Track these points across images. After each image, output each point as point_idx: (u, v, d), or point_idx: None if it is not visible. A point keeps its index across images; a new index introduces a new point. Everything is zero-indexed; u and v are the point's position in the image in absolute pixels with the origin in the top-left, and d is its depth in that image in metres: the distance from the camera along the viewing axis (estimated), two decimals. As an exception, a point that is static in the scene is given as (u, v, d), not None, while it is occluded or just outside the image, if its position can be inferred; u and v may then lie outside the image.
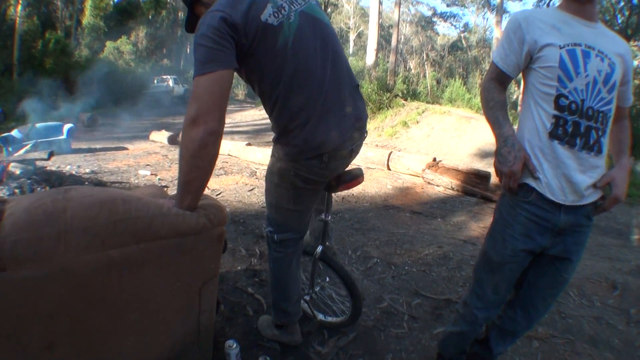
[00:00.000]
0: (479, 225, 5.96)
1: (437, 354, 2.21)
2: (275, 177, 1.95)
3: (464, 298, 1.99)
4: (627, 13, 24.03)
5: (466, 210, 6.76)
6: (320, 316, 2.65)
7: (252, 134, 15.78)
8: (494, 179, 8.07)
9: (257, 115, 23.03)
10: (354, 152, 1.97)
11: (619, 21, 24.86)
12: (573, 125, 1.55)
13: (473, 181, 7.74)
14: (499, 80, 1.74)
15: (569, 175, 1.58)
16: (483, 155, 11.87)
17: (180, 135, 1.39)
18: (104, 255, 1.38)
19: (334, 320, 2.62)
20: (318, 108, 1.75)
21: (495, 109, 1.70)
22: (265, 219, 2.22)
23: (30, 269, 1.28)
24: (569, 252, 1.70)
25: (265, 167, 8.47)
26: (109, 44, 27.64)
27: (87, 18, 27.81)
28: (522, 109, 1.74)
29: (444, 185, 7.89)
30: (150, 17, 32.39)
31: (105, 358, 1.56)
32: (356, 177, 2.04)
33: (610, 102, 1.57)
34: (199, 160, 1.50)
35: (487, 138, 12.86)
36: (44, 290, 1.32)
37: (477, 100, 20.43)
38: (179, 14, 38.65)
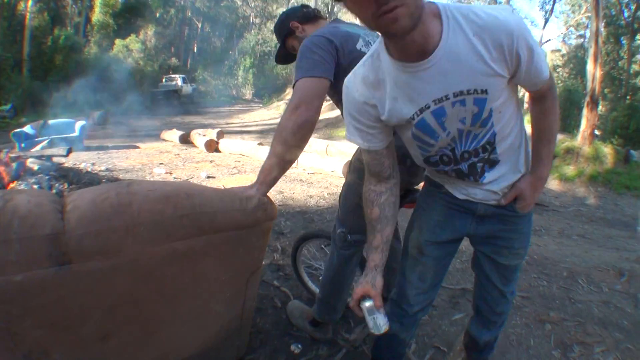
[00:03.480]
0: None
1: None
2: (362, 179, 2.00)
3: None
4: (633, 7, 23.98)
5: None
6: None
7: (262, 134, 15.85)
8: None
9: (266, 115, 23.09)
10: None
11: (625, 15, 24.83)
12: (455, 172, 1.47)
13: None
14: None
15: (472, 192, 1.52)
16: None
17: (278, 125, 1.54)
18: (169, 247, 1.42)
19: None
20: None
21: None
22: (336, 220, 2.30)
23: (97, 261, 1.29)
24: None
25: None
26: (118, 41, 27.75)
27: (96, 15, 27.90)
28: None
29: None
30: (158, 15, 32.47)
31: (156, 346, 1.62)
32: (415, 199, 2.07)
33: (488, 131, 1.35)
34: (296, 135, 1.73)
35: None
36: (109, 282, 1.35)
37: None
38: (188, 13, 38.81)
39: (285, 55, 2.30)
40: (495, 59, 1.19)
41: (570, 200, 8.81)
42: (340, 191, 2.30)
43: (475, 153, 1.40)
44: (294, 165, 7.66)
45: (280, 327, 2.62)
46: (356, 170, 2.09)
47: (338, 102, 2.01)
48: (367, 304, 1.49)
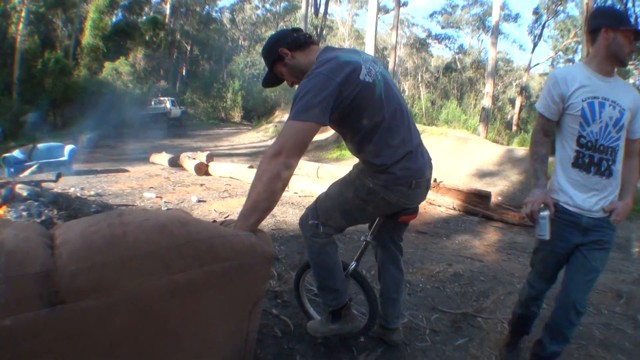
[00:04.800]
0: (483, 243, 6.08)
1: (508, 332, 2.75)
2: (360, 192, 2.20)
3: (520, 291, 2.61)
4: None
5: (469, 230, 6.87)
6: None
7: (251, 156, 15.87)
8: (494, 199, 8.22)
9: (255, 137, 23.16)
10: (429, 186, 2.32)
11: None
12: (587, 158, 2.14)
13: (474, 201, 7.89)
14: (544, 129, 2.28)
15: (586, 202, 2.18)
16: (481, 175, 12.04)
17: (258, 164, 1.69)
18: (169, 280, 1.33)
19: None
20: (412, 144, 2.13)
21: (537, 162, 2.28)
22: (310, 211, 2.41)
23: (93, 299, 1.20)
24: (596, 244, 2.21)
25: None
26: (107, 64, 27.75)
27: (86, 38, 27.89)
28: (556, 143, 2.27)
29: (445, 205, 8.00)
30: (147, 38, 32.63)
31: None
32: (415, 211, 2.36)
33: (619, 139, 2.13)
34: (273, 184, 1.74)
35: (484, 158, 13.08)
36: (106, 322, 1.26)
37: (473, 121, 20.82)
38: (177, 36, 39.01)
39: (272, 79, 2.31)
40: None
41: (563, 221, 8.69)
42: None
43: (605, 151, 2.11)
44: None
45: (282, 357, 2.54)
46: (353, 181, 2.25)
47: (343, 129, 2.17)
48: (545, 213, 2.13)
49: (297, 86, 2.11)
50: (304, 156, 14.89)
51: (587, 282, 2.22)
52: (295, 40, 2.15)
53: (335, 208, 2.31)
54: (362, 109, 2.00)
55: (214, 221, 1.79)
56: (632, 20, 22.93)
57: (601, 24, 2.13)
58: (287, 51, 2.13)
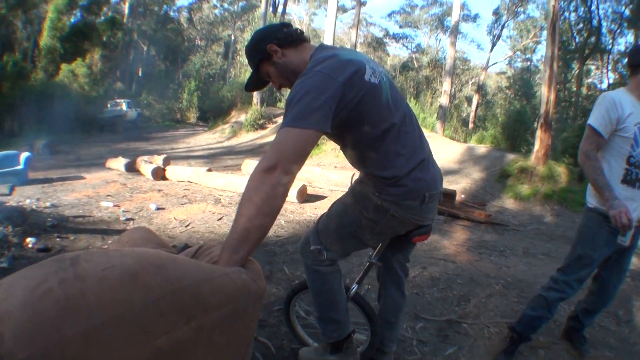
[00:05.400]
0: (452, 243, 6.06)
1: (510, 333, 2.80)
2: (367, 211, 1.97)
3: (547, 293, 2.65)
4: (585, 34, 25.35)
5: (437, 229, 6.83)
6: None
7: (209, 159, 15.58)
8: (457, 197, 8.22)
9: (211, 139, 22.85)
10: (441, 199, 2.10)
11: (577, 41, 26.29)
12: (635, 175, 2.39)
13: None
14: (596, 144, 2.43)
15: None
16: (443, 173, 11.95)
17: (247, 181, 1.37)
18: (151, 348, 1.02)
19: None
20: (424, 152, 1.95)
21: (603, 176, 2.38)
22: (311, 236, 2.19)
23: None
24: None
25: (229, 194, 8.13)
26: (64, 66, 26.75)
27: (44, 39, 26.70)
28: (603, 160, 2.46)
29: (411, 205, 7.95)
30: (105, 38, 31.74)
31: None
32: (429, 230, 2.14)
33: None
34: (268, 206, 1.44)
35: (445, 156, 13.20)
36: None
37: (432, 119, 21.03)
38: (134, 35, 38.12)
39: (257, 82, 2.01)
40: None
41: (527, 219, 8.92)
42: (321, 214, 2.26)
43: None
44: (240, 192, 7.42)
45: (267, 382, 2.36)
46: (356, 199, 2.03)
47: (345, 147, 1.97)
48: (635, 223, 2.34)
49: (287, 90, 1.87)
50: (258, 156, 14.61)
51: (622, 280, 2.68)
52: (286, 35, 1.87)
53: (339, 231, 2.10)
54: (368, 114, 1.76)
55: (186, 246, 1.47)
56: (596, 22, 24.05)
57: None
58: (277, 48, 1.84)
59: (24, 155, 10.21)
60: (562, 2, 23.22)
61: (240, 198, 1.47)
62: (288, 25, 1.94)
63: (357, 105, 1.70)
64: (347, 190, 2.14)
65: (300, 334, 2.67)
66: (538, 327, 2.69)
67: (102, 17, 33.40)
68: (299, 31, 1.92)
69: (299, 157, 1.53)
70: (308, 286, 2.26)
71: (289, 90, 1.75)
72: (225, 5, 46.43)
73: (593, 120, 2.42)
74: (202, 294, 1.12)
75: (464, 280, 4.02)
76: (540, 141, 11.73)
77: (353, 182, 2.14)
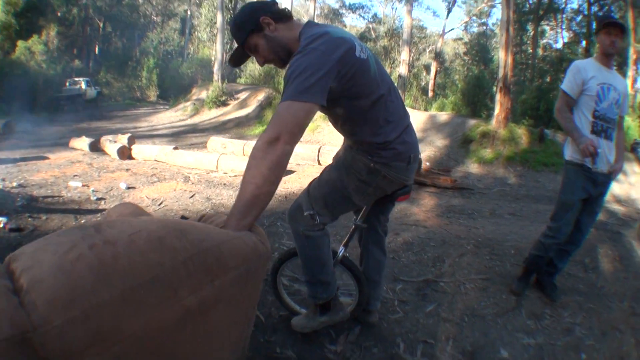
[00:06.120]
0: (422, 209, 6.19)
1: (524, 268, 3.34)
2: (361, 174, 2.13)
3: (544, 239, 3.16)
4: None
5: (405, 197, 6.94)
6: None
7: (173, 137, 15.26)
8: (423, 165, 8.40)
9: (174, 117, 22.33)
10: (420, 161, 2.22)
11: (531, 2, 26.61)
12: (600, 126, 2.94)
13: (406, 168, 7.99)
14: (566, 102, 3.03)
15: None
16: (408, 142, 12.24)
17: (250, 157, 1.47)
18: (180, 307, 1.07)
19: None
20: (407, 118, 2.18)
21: (573, 123, 2.97)
22: (303, 202, 2.29)
23: (93, 356, 0.90)
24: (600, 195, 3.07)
25: (197, 172, 8.00)
26: (20, 43, 25.62)
27: None
28: (575, 115, 3.02)
29: (377, 175, 8.08)
30: (60, 14, 30.50)
31: None
32: (409, 190, 2.34)
33: (616, 113, 2.97)
34: (273, 174, 1.55)
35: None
36: None
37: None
38: (89, 11, 36.74)
39: (241, 56, 2.04)
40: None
41: (492, 181, 9.22)
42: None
43: (609, 121, 2.94)
44: (213, 168, 7.37)
45: (261, 351, 2.45)
46: (349, 164, 2.18)
47: (337, 119, 2.10)
48: (600, 150, 2.85)
49: (271, 65, 2.01)
50: (226, 133, 14.33)
51: (593, 222, 3.17)
52: (280, 11, 1.94)
53: (332, 194, 2.23)
54: (360, 87, 1.90)
55: (183, 217, 1.53)
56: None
57: (596, 30, 3.03)
58: (271, 21, 1.89)
59: None
60: (515, -36, 23.57)
61: (245, 167, 1.57)
62: (276, 2, 1.98)
63: (350, 79, 1.83)
64: (322, 162, 2.28)
65: (287, 301, 2.76)
66: (540, 264, 3.22)
67: (56, -8, 32.20)
68: (287, 10, 1.99)
69: (300, 128, 1.63)
70: (297, 253, 2.35)
71: (257, 67, 1.83)
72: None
73: (564, 84, 3.06)
74: (222, 255, 1.19)
75: (436, 243, 4.19)
76: (500, 105, 11.95)
77: (341, 150, 2.29)
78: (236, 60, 2.05)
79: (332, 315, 2.39)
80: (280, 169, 1.57)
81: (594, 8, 25.03)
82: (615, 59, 3.20)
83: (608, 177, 3.00)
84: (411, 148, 2.11)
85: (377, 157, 2.05)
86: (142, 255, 1.01)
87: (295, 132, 1.61)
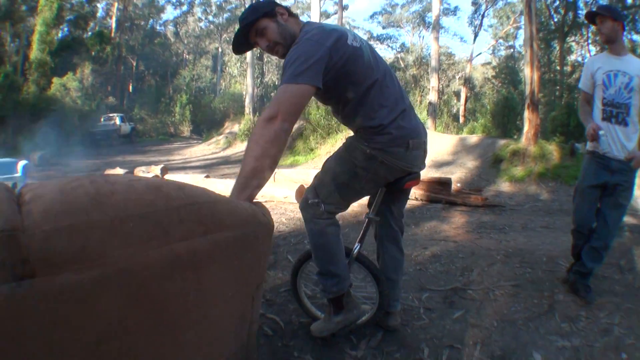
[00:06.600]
0: (452, 226, 6.08)
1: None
2: (358, 160, 2.19)
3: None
4: (562, 11, 25.51)
5: (435, 216, 6.88)
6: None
7: (205, 168, 15.58)
8: (454, 186, 8.30)
9: (207, 150, 22.85)
10: (426, 150, 2.34)
11: (555, 20, 26.36)
12: (609, 112, 2.98)
13: (436, 189, 7.95)
14: (586, 99, 3.16)
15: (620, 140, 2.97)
16: (438, 165, 12.19)
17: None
18: (169, 251, 1.07)
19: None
20: (405, 103, 2.19)
21: (585, 113, 3.14)
22: (309, 192, 2.35)
23: (72, 272, 0.91)
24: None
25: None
26: (55, 80, 26.92)
27: (34, 52, 26.94)
28: (593, 106, 3.09)
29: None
30: (94, 53, 31.82)
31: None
32: (418, 176, 2.36)
33: (630, 97, 2.94)
34: (272, 148, 1.69)
35: (438, 149, 13.25)
36: (90, 305, 0.96)
37: (422, 116, 21.08)
38: (123, 50, 38.17)
39: (244, 43, 2.18)
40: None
41: (524, 198, 8.99)
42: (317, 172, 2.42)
43: (619, 106, 2.95)
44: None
45: (278, 355, 2.41)
46: (348, 151, 2.25)
47: (333, 95, 2.16)
48: (602, 132, 2.91)
49: (269, 51, 2.13)
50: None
51: (618, 214, 3.06)
52: (289, 9, 2.15)
53: (334, 182, 2.27)
54: (354, 72, 2.04)
55: None
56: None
57: None
58: (285, 11, 2.12)
59: (22, 163, 10.08)
60: (536, -19, 23.50)
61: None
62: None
63: (343, 65, 1.98)
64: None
65: (307, 306, 2.73)
66: (577, 250, 3.22)
67: (90, 32, 33.69)
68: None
69: (296, 107, 1.81)
70: (309, 242, 2.37)
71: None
72: (210, 17, 46.64)
73: (580, 82, 3.25)
74: (217, 211, 1.22)
75: (465, 255, 4.07)
76: (529, 122, 11.75)
77: (345, 140, 2.32)
78: (240, 47, 2.20)
79: (346, 313, 2.34)
80: (278, 144, 1.71)
81: (618, 18, 24.79)
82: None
83: (626, 165, 2.95)
84: (409, 133, 2.14)
85: (373, 143, 2.12)
86: (137, 194, 1.08)
87: (291, 111, 1.78)
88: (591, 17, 3.08)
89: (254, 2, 2.32)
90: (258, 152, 1.65)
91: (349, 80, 2.05)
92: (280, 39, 2.06)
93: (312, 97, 2.06)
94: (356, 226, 5.60)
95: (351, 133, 2.33)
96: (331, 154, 2.40)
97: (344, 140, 2.33)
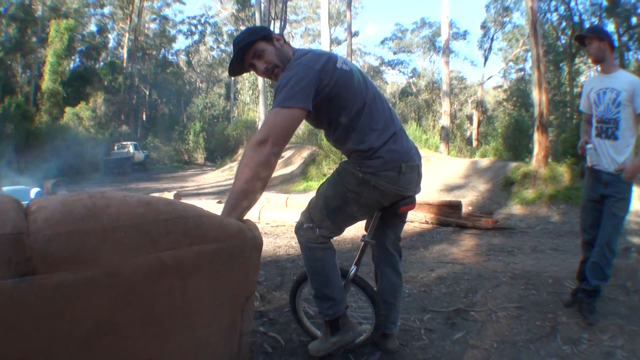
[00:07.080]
0: (460, 249, 6.06)
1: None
2: (350, 184, 2.19)
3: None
4: (569, 32, 25.60)
5: (445, 239, 6.87)
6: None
7: (219, 195, 15.61)
8: (464, 209, 8.28)
9: (220, 177, 22.96)
10: (420, 173, 2.33)
11: (562, 41, 26.39)
12: (600, 128, 3.12)
13: (446, 212, 7.93)
14: (586, 119, 3.37)
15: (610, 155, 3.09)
16: (449, 189, 12.15)
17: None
18: (156, 258, 1.20)
19: None
20: (395, 126, 2.21)
21: (583, 133, 3.34)
22: (303, 217, 2.38)
23: (69, 271, 1.07)
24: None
25: None
26: (68, 109, 27.46)
27: (46, 83, 27.70)
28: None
29: (418, 220, 7.99)
30: (106, 83, 32.40)
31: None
32: (413, 200, 2.34)
33: (618, 112, 3.03)
34: (263, 171, 1.76)
35: (449, 173, 13.25)
36: (83, 301, 1.12)
37: (434, 140, 21.14)
38: (135, 80, 38.85)
39: (238, 66, 2.22)
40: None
41: (534, 221, 8.93)
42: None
43: (608, 122, 3.07)
44: (255, 219, 7.66)
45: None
46: (341, 176, 2.26)
47: (324, 119, 2.20)
48: (589, 146, 3.13)
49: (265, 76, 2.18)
50: (272, 190, 14.59)
51: (613, 225, 3.07)
52: (284, 37, 2.26)
53: (328, 206, 2.28)
54: (344, 95, 2.07)
55: None
56: (577, 18, 24.41)
57: None
58: (280, 37, 2.21)
59: (34, 190, 10.25)
60: (541, 4, 23.82)
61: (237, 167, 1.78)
62: None
63: (333, 87, 2.02)
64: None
65: (306, 325, 2.76)
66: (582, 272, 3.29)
67: (101, 63, 34.31)
68: None
69: (286, 131, 1.86)
70: (304, 266, 2.40)
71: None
72: (222, 46, 47.42)
73: (580, 104, 3.44)
74: (203, 225, 1.32)
75: (471, 277, 4.07)
76: (538, 144, 11.71)
77: (339, 165, 2.35)
78: (235, 70, 2.24)
79: (342, 335, 2.35)
80: (267, 167, 1.78)
81: (624, 39, 24.87)
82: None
83: (616, 177, 3.04)
84: (401, 157, 2.15)
85: (365, 167, 2.12)
86: (129, 208, 1.20)
87: (282, 135, 1.83)
88: (580, 39, 3.22)
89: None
90: (249, 175, 1.71)
91: (339, 103, 2.08)
92: (278, 62, 2.12)
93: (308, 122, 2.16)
94: (357, 247, 5.63)
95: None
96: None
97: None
